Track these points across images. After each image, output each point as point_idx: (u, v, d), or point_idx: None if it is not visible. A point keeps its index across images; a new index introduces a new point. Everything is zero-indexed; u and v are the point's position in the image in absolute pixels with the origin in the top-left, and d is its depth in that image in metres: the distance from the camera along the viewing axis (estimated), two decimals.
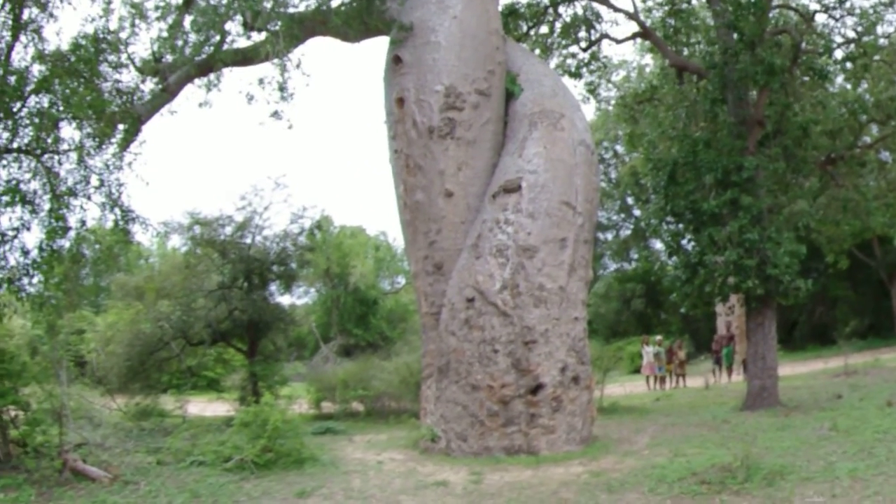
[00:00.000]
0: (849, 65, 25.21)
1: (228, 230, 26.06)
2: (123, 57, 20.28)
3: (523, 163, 16.86)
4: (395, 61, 18.03)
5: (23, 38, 20.33)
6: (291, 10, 18.89)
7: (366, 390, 24.78)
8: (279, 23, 18.20)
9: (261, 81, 18.72)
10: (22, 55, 19.70)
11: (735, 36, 21.87)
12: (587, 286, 17.38)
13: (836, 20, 24.76)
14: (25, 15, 21.02)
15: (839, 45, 24.72)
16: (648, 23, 25.89)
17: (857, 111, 25.98)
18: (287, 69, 18.32)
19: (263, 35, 18.77)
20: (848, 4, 24.24)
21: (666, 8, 25.85)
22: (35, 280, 18.09)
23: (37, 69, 19.84)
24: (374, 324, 46.20)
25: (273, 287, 27.37)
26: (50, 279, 18.38)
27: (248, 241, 26.28)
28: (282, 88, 18.67)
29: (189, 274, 26.12)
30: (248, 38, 19.68)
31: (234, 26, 19.51)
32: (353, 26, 18.77)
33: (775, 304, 21.82)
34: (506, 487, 12.71)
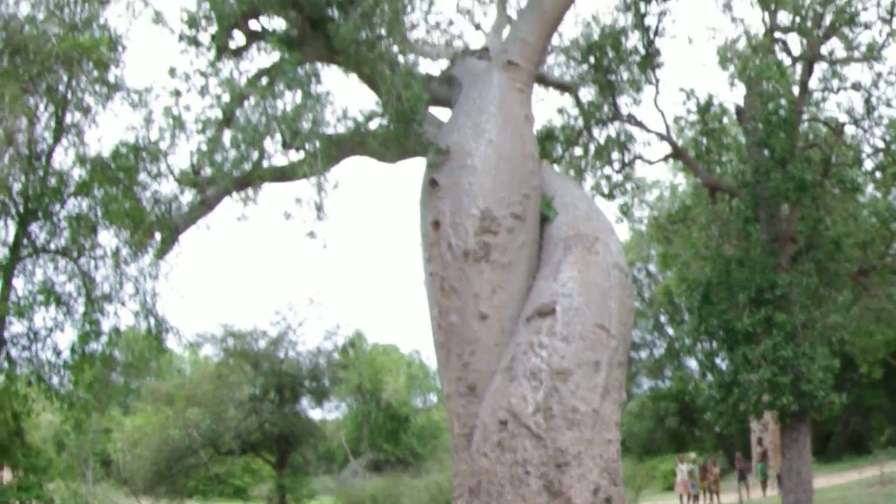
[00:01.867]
0: (878, 174, 25.83)
1: (262, 344, 26.64)
2: (163, 167, 21.22)
3: (558, 287, 17.43)
4: (431, 184, 18.77)
5: (64, 140, 21.37)
6: (329, 130, 19.74)
7: None
8: (317, 143, 19.06)
9: (298, 201, 19.47)
10: (63, 158, 20.71)
11: (766, 153, 22.55)
12: (621, 408, 17.77)
13: (865, 131, 25.48)
14: (68, 118, 22.08)
15: (868, 156, 25.39)
16: (680, 142, 26.72)
17: (888, 220, 26.59)
18: (324, 189, 19.08)
19: (301, 154, 19.63)
20: (876, 114, 25.01)
21: (698, 127, 26.71)
22: (65, 380, 18.68)
23: (77, 173, 20.81)
24: (404, 440, 46.49)
25: (304, 401, 27.82)
26: (80, 380, 18.97)
27: (282, 355, 26.83)
28: (318, 208, 19.40)
29: (220, 384, 26.67)
30: (286, 156, 20.54)
31: (272, 144, 20.40)
32: (390, 149, 19.59)
33: (809, 419, 22.06)
34: None
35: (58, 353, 18.66)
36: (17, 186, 20.67)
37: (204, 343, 26.85)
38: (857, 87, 26.11)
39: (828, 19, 25.79)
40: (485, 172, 18.29)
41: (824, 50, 26.73)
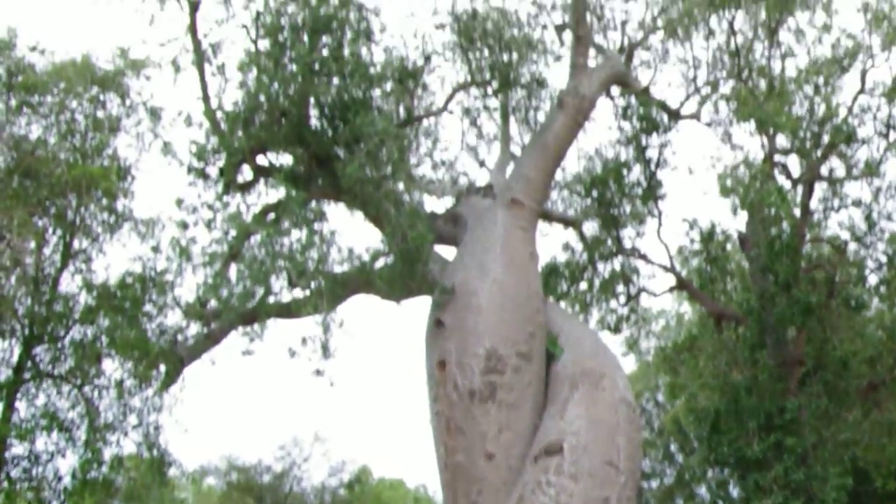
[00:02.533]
0: (883, 288, 25.78)
1: (266, 478, 26.37)
2: (169, 298, 21.25)
3: (565, 425, 17.32)
4: (436, 324, 18.80)
5: (71, 266, 21.45)
6: (335, 269, 19.81)
7: None
8: (322, 282, 19.12)
9: (304, 341, 19.45)
10: (69, 283, 20.75)
11: (770, 278, 22.54)
12: None
13: (867, 247, 25.54)
14: (76, 244, 22.20)
15: (872, 271, 25.39)
16: (685, 272, 26.83)
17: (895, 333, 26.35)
18: (329, 329, 19.07)
19: (307, 291, 19.67)
20: (878, 229, 25.11)
21: (702, 256, 26.81)
22: None
23: (83, 298, 20.83)
24: None
25: None
26: None
27: (286, 490, 26.54)
28: (324, 348, 19.37)
29: None
30: (292, 292, 20.56)
31: (278, 281, 20.46)
32: (395, 288, 19.64)
33: None
34: None
35: (59, 477, 18.48)
36: (22, 309, 20.72)
37: (207, 475, 26.60)
38: (857, 203, 26.34)
39: (826, 139, 26.10)
40: (490, 312, 18.32)
41: (824, 169, 27.02)
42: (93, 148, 23.62)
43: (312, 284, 19.19)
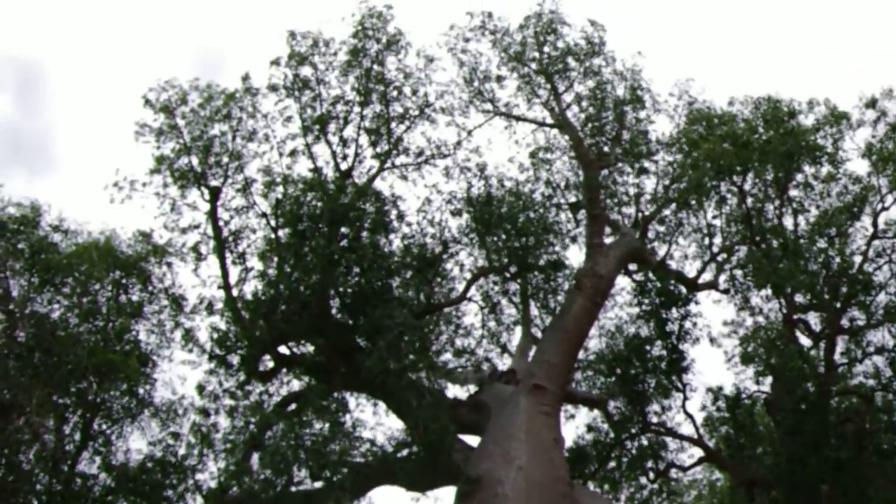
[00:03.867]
0: None
1: None
2: (189, 483, 20.85)
3: None
4: None
5: (90, 447, 21.01)
6: (359, 459, 19.49)
7: None
8: (345, 472, 18.78)
9: None
10: (88, 464, 20.30)
11: (799, 439, 21.94)
12: None
13: (895, 394, 25.00)
14: (95, 426, 21.84)
15: None
16: (713, 441, 26.29)
17: None
18: None
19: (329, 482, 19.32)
20: None
21: (729, 424, 26.22)
22: None
23: (102, 480, 20.35)
24: None
25: None
26: None
27: None
28: None
29: None
30: (314, 484, 20.16)
31: (300, 471, 20.09)
32: (418, 478, 19.28)
33: None
34: None
35: None
36: (40, 486, 20.34)
37: None
38: (880, 351, 25.86)
39: (843, 290, 25.80)
40: (517, 500, 17.87)
41: (844, 321, 26.62)
42: (114, 332, 23.57)
43: (335, 477, 18.87)
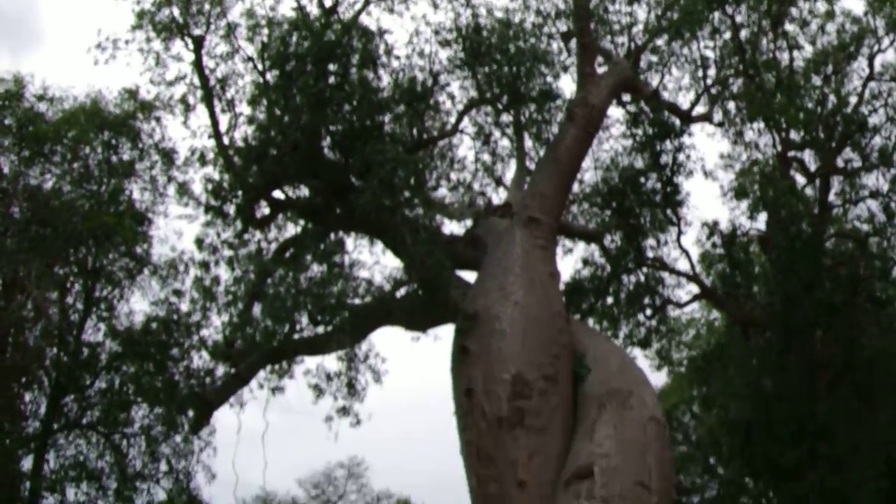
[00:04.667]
0: None
1: None
2: (195, 340, 20.87)
3: (594, 447, 16.63)
4: (461, 351, 18.28)
5: (94, 314, 21.00)
6: (358, 301, 19.37)
7: None
8: (346, 314, 18.69)
9: (329, 377, 19.03)
10: (93, 331, 20.34)
11: (793, 279, 21.82)
12: None
13: (888, 239, 24.84)
14: (97, 292, 21.78)
15: (894, 264, 24.66)
16: (710, 279, 26.21)
17: None
18: (354, 365, 18.65)
19: (330, 327, 19.25)
20: None
21: (725, 261, 26.08)
22: None
23: (108, 346, 20.39)
24: None
25: None
26: None
27: None
28: (350, 385, 18.96)
29: None
30: (316, 329, 20.11)
31: (301, 317, 20.02)
32: (417, 317, 19.16)
33: None
34: None
35: None
36: (47, 360, 20.34)
37: None
38: (875, 195, 25.61)
39: (838, 129, 25.39)
40: (514, 336, 17.76)
41: (839, 161, 26.29)
42: (108, 194, 23.29)
43: (334, 320, 18.80)
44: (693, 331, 30.34)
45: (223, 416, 21.51)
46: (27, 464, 20.07)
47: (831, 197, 26.38)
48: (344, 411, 19.64)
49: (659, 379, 29.17)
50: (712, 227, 25.86)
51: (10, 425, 17.75)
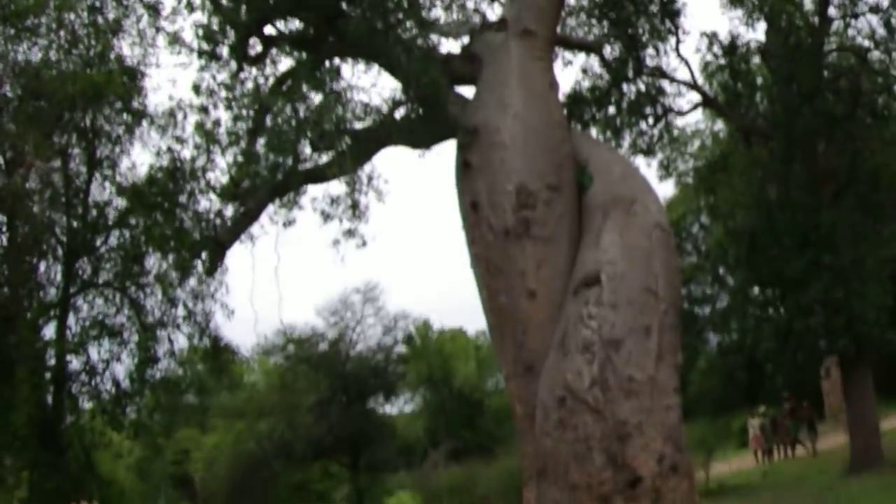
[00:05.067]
0: None
1: (323, 346, 26.26)
2: (202, 184, 20.79)
3: (600, 254, 16.68)
4: (464, 166, 18.19)
5: (98, 175, 20.95)
6: (358, 125, 19.18)
7: (471, 495, 24.48)
8: (346, 140, 18.54)
9: (332, 201, 18.98)
10: (100, 192, 20.28)
11: (794, 89, 21.44)
12: (678, 372, 16.90)
13: (889, 54, 24.27)
14: (99, 152, 21.65)
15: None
16: (712, 89, 25.75)
17: None
18: (358, 188, 18.57)
19: (331, 153, 19.10)
20: None
21: (726, 71, 25.54)
22: (128, 409, 18.32)
23: (116, 204, 20.36)
24: (481, 425, 45.41)
25: (374, 400, 27.33)
26: (142, 407, 18.65)
27: (343, 356, 26.42)
28: (354, 206, 18.92)
29: (286, 392, 26.31)
30: (318, 157, 19.97)
31: (303, 147, 19.86)
32: (417, 136, 19.00)
33: (871, 360, 20.96)
34: None
35: (117, 383, 18.26)
36: (58, 228, 20.34)
37: (268, 353, 26.57)
38: (875, 10, 24.86)
39: None
40: (515, 147, 17.60)
41: None
42: (97, 55, 22.94)
43: (336, 145, 18.66)
44: (698, 141, 29.95)
45: (235, 257, 21.62)
46: (49, 332, 20.24)
47: (831, 10, 25.66)
48: (350, 233, 19.68)
49: (667, 189, 28.94)
50: (711, 38, 25.29)
51: (28, 297, 17.77)
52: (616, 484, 15.19)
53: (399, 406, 50.23)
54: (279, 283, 22.49)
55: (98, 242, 19.68)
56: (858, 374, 20.40)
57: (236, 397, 29.98)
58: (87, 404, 18.50)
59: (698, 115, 26.38)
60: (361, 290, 25.66)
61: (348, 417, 24.27)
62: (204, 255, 20.14)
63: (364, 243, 20.12)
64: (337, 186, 19.86)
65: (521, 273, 17.15)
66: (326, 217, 19.99)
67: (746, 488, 21.98)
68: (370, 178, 19.18)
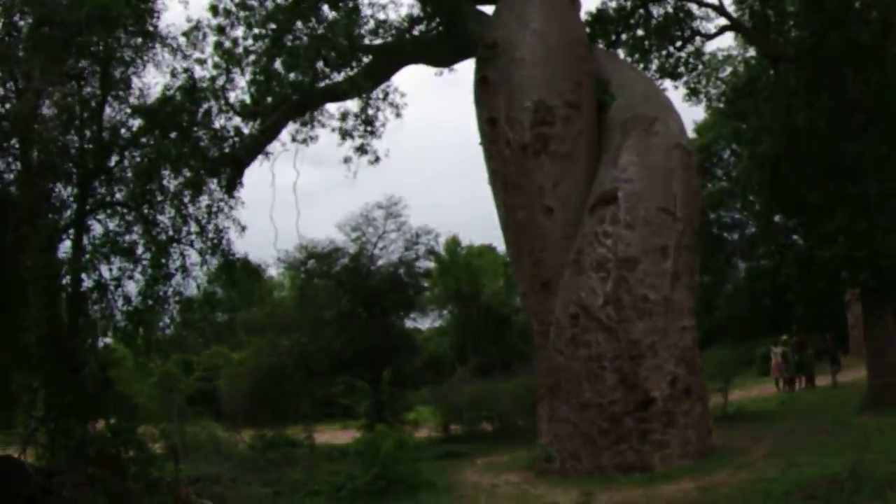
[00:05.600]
0: None
1: (343, 261, 26.25)
2: (221, 103, 20.47)
3: (618, 172, 16.38)
4: (482, 82, 17.85)
5: (112, 99, 20.49)
6: (376, 41, 18.88)
7: (490, 411, 24.53)
8: (362, 56, 18.29)
9: (343, 117, 18.83)
10: (115, 113, 19.82)
11: (823, 15, 20.64)
12: (694, 294, 16.66)
13: None
14: (112, 75, 21.19)
15: None
16: (741, 13, 24.89)
17: None
18: (372, 105, 18.38)
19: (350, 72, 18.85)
20: None
21: None
22: (140, 328, 18.30)
23: (131, 124, 19.96)
24: (508, 342, 45.32)
25: (395, 315, 27.29)
26: (155, 325, 18.63)
27: (364, 270, 26.37)
28: (368, 122, 18.74)
29: (306, 306, 26.32)
30: (337, 76, 19.64)
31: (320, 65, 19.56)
32: (437, 53, 18.69)
33: (893, 296, 20.38)
34: None
35: (128, 300, 18.18)
36: (74, 151, 20.10)
37: (291, 269, 26.59)
38: None
39: None
40: (534, 64, 17.20)
41: None
42: None
43: (348, 62, 18.43)
44: (730, 67, 29.01)
45: (255, 175, 21.41)
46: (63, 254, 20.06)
47: None
48: (361, 150, 19.53)
49: (698, 114, 28.16)
50: None
51: (42, 218, 17.58)
52: (627, 404, 15.12)
53: (427, 322, 50.29)
54: (298, 199, 22.44)
55: (112, 163, 19.32)
56: (881, 310, 19.81)
57: (261, 313, 30.07)
58: (101, 323, 18.42)
59: (730, 40, 25.39)
60: (384, 206, 25.66)
61: (369, 331, 24.30)
62: (224, 173, 19.96)
63: (377, 159, 19.91)
64: (355, 105, 19.64)
65: (539, 189, 16.89)
66: (345, 135, 19.78)
67: (764, 416, 21.75)
68: (386, 95, 18.90)
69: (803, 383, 30.99)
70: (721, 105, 26.93)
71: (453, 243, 46.77)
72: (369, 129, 19.27)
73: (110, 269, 18.06)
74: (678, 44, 24.78)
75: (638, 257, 15.48)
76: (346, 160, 20.15)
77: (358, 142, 19.48)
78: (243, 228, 18.82)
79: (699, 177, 17.47)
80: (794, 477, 11.57)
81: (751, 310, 46.18)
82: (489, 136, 17.66)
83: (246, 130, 20.28)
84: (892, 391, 19.41)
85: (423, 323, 50.37)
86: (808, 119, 21.06)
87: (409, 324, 30.22)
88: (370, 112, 19.22)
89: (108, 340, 18.29)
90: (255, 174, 21.83)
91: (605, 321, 15.31)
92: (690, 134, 26.12)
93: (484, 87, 17.79)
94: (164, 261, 18.28)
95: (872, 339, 20.33)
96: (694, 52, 25.27)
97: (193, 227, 18.82)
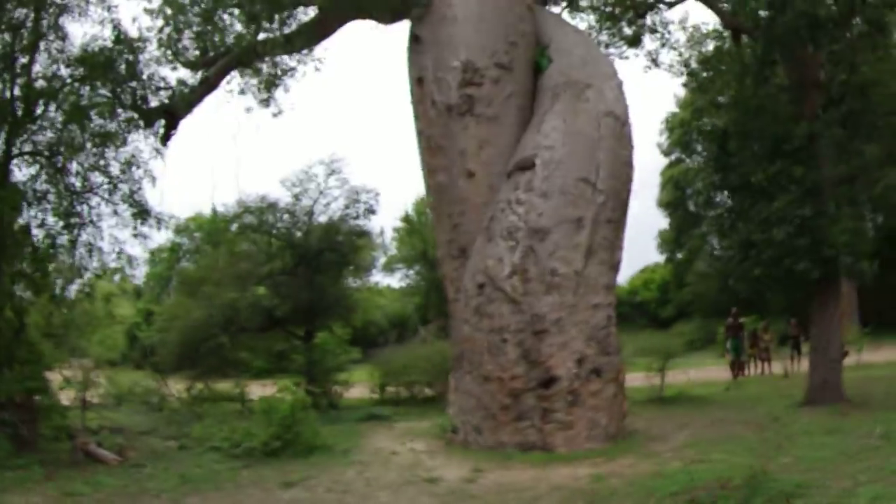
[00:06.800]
0: None
1: (282, 217, 25.63)
2: (168, 53, 19.70)
3: (541, 138, 15.41)
4: (414, 40, 16.91)
5: (50, 45, 19.59)
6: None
7: (418, 376, 24.12)
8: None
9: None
10: (45, 62, 19.00)
11: None
12: (614, 270, 15.77)
13: None
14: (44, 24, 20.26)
15: None
16: None
17: None
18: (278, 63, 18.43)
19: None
20: None
21: None
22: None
23: (65, 73, 19.15)
24: None
25: (331, 274, 26.65)
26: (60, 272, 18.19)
27: (301, 227, 25.70)
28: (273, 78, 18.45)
29: (235, 261, 25.70)
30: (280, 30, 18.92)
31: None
32: (378, 7, 17.88)
33: (839, 287, 19.44)
34: (494, 489, 11.59)
35: (35, 248, 17.57)
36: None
37: (228, 222, 25.91)
38: None
39: None
40: (467, 22, 16.23)
41: None
42: None
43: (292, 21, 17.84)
44: (685, 36, 27.71)
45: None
46: None
47: None
48: (264, 102, 19.32)
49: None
50: None
51: None
52: (529, 381, 14.27)
53: (390, 282, 50.03)
54: (237, 150, 21.80)
55: (42, 111, 18.49)
56: (826, 299, 18.82)
57: (197, 266, 29.38)
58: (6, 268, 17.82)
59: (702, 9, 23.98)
60: (325, 162, 24.79)
61: (302, 289, 23.62)
62: (160, 124, 19.30)
63: (280, 112, 19.57)
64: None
65: (462, 152, 15.95)
66: (269, 85, 19.30)
67: (702, 401, 20.96)
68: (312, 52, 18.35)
69: (759, 368, 30.30)
70: (683, 77, 25.77)
71: (421, 204, 46.11)
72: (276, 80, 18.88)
73: (22, 217, 17.56)
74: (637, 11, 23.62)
75: (549, 228, 14.53)
76: (248, 110, 20.38)
77: (263, 95, 19.07)
78: (154, 180, 18.22)
79: (630, 147, 16.37)
80: (691, 476, 10.68)
81: (718, 289, 45.32)
82: (416, 95, 16.77)
83: (190, 82, 19.66)
84: (830, 388, 18.53)
85: (393, 282, 49.83)
86: (759, 95, 20.08)
87: (357, 283, 29.44)
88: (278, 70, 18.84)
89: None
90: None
91: (510, 292, 14.47)
92: (672, 108, 25.09)
93: (414, 46, 16.86)
94: (75, 209, 17.69)
95: (817, 333, 19.31)
96: (654, 20, 24.10)
97: (104, 179, 18.14)
